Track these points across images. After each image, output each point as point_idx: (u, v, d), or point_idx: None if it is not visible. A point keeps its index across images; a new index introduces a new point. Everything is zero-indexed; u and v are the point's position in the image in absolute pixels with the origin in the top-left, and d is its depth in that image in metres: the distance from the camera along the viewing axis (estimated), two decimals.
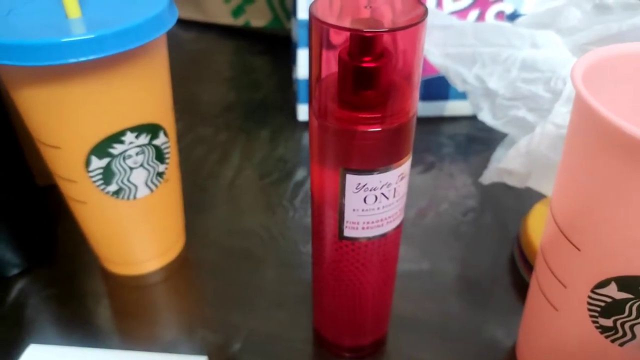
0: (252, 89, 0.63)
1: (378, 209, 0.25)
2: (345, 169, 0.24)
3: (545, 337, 0.28)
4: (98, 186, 0.32)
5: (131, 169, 0.32)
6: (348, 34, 0.22)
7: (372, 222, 0.26)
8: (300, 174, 0.49)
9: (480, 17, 0.51)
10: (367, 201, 0.25)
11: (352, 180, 0.24)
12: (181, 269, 0.39)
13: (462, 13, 0.51)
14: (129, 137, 0.31)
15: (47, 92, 0.28)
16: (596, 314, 0.24)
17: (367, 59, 0.22)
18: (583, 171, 0.23)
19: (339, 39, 0.23)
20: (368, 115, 0.23)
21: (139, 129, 0.31)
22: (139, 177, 0.33)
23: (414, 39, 0.22)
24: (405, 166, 0.25)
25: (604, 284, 0.23)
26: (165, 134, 0.33)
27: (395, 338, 0.34)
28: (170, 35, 0.31)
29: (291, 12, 0.56)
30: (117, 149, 0.30)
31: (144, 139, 0.31)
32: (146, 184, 0.33)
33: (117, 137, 0.30)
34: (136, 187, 0.33)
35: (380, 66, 0.22)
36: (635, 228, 0.21)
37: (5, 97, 0.33)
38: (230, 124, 0.56)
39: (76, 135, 0.29)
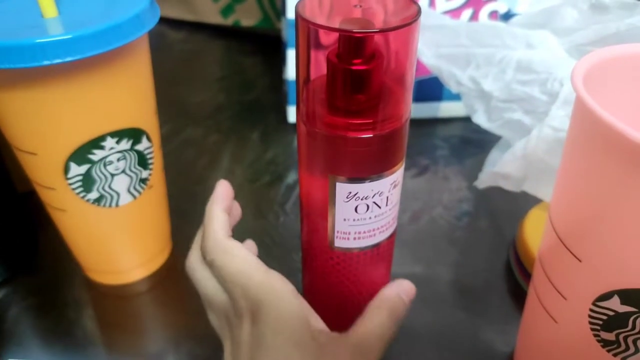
0: (243, 90, 0.62)
1: (370, 218, 0.24)
2: (335, 177, 0.23)
3: (544, 348, 0.27)
4: (78, 194, 0.30)
5: (112, 175, 0.31)
6: (337, 35, 0.21)
7: (364, 232, 0.25)
8: (292, 177, 0.48)
9: (474, 16, 0.50)
10: (358, 210, 0.24)
11: (342, 188, 0.23)
12: (167, 277, 0.38)
13: (455, 12, 0.50)
14: (110, 142, 0.29)
15: (20, 96, 0.26)
16: (598, 328, 0.23)
17: (357, 61, 0.21)
18: (585, 178, 0.22)
19: (328, 40, 0.21)
20: (359, 121, 0.22)
21: (120, 134, 0.29)
22: (121, 183, 0.31)
23: (406, 40, 0.21)
24: (398, 173, 0.24)
25: (606, 296, 0.22)
26: (149, 139, 0.32)
27: (389, 347, 0.33)
28: (159, 35, 0.30)
29: (281, 11, 0.55)
30: (97, 154, 0.29)
31: (125, 144, 0.30)
32: (129, 191, 0.32)
33: (96, 143, 0.29)
34: (118, 194, 0.32)
35: (371, 69, 0.21)
36: None
37: None
38: (220, 125, 0.55)
39: (53, 141, 0.28)
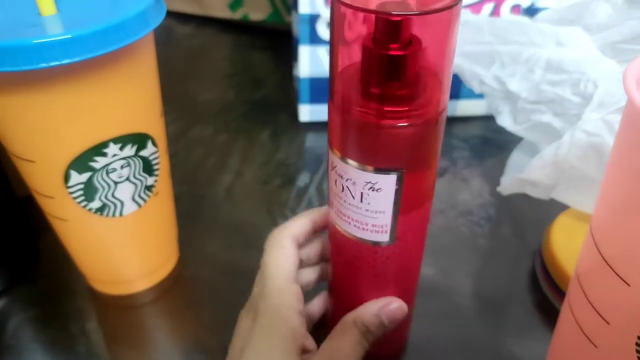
0: (252, 87, 0.60)
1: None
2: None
3: None
4: (79, 203, 0.28)
5: (116, 183, 0.29)
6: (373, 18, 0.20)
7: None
8: (303, 179, 0.46)
9: (495, 11, 0.48)
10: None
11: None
12: (174, 287, 0.36)
13: (475, 7, 0.47)
14: (113, 148, 0.27)
15: (16, 101, 0.24)
16: None
17: (394, 46, 0.20)
18: (637, 192, 0.20)
19: (362, 24, 0.20)
20: (394, 109, 0.21)
21: (123, 140, 0.28)
22: (124, 192, 0.29)
23: (446, 25, 0.20)
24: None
25: None
26: (154, 144, 0.30)
27: None
28: (165, 29, 0.28)
29: (292, 5, 0.52)
30: (99, 162, 0.27)
31: (129, 150, 0.28)
32: (133, 199, 0.30)
33: (98, 150, 0.27)
34: (122, 202, 0.30)
35: (409, 54, 0.20)
36: None
37: None
38: (228, 124, 0.53)
39: (53, 148, 0.26)
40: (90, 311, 0.35)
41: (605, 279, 0.22)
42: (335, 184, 0.24)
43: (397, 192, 0.23)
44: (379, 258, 0.25)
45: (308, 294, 0.30)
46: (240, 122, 0.53)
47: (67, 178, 0.27)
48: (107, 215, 0.30)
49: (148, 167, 0.30)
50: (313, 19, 0.47)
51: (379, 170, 0.22)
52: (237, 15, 0.70)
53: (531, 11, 0.47)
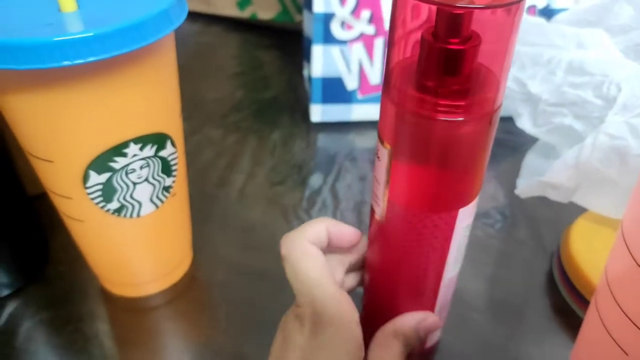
0: (262, 87, 0.60)
1: None
2: None
3: None
4: (97, 204, 0.28)
5: (134, 184, 0.28)
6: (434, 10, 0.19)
7: None
8: (316, 180, 0.45)
9: None
10: None
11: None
12: (189, 290, 0.36)
13: None
14: (133, 149, 0.27)
15: (37, 100, 0.24)
16: None
17: (454, 40, 0.19)
18: None
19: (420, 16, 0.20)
20: (449, 103, 0.20)
21: (143, 140, 0.27)
22: (143, 192, 0.29)
23: (509, 22, 0.19)
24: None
25: None
26: (173, 144, 0.29)
27: None
28: None
29: (303, 4, 0.52)
30: (118, 162, 0.27)
31: (149, 150, 0.28)
32: (151, 200, 0.30)
33: (118, 150, 0.26)
34: (140, 203, 0.29)
35: (468, 49, 0.19)
36: None
37: None
38: (239, 124, 0.53)
39: (72, 148, 0.26)
40: (102, 314, 0.34)
41: (638, 284, 0.21)
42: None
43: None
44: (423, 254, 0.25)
45: None
46: (251, 122, 0.53)
47: (85, 178, 0.27)
48: (125, 216, 0.29)
49: (167, 168, 0.29)
50: (327, 18, 0.46)
51: None
52: (245, 13, 0.69)
53: (547, 12, 0.47)
